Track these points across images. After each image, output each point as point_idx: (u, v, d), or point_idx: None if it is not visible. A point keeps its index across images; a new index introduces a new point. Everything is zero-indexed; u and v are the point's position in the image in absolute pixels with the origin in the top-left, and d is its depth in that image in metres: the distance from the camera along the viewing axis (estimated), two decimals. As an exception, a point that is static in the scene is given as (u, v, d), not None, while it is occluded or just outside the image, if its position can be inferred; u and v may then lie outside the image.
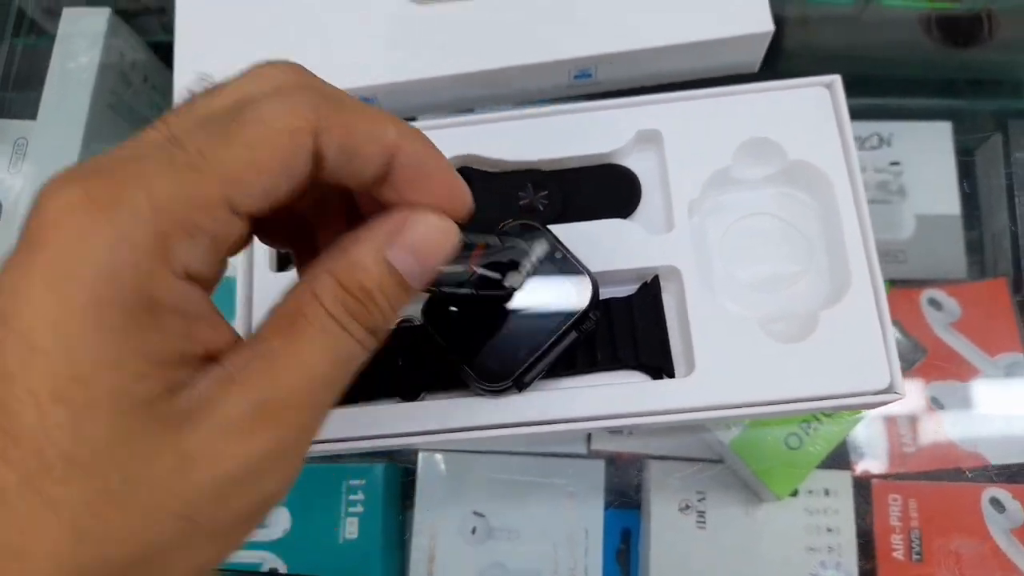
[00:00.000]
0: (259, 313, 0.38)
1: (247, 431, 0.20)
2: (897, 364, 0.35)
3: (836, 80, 0.38)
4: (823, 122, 0.38)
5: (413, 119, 0.43)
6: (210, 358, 0.21)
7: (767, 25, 0.38)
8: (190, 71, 0.42)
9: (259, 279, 0.38)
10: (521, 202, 0.39)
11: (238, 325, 0.37)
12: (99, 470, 0.19)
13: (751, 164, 0.38)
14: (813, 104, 0.38)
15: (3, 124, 0.53)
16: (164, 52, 0.58)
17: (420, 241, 0.24)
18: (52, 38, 0.53)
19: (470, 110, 0.40)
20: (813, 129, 0.38)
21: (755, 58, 0.40)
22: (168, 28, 0.57)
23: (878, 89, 0.57)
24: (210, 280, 0.22)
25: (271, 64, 0.23)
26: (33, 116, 0.53)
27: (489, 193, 0.39)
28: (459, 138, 0.39)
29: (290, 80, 0.23)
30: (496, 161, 0.39)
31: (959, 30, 0.61)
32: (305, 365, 0.21)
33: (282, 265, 0.39)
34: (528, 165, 0.39)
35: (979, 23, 0.60)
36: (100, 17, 0.54)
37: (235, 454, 0.20)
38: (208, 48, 0.42)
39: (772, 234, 0.39)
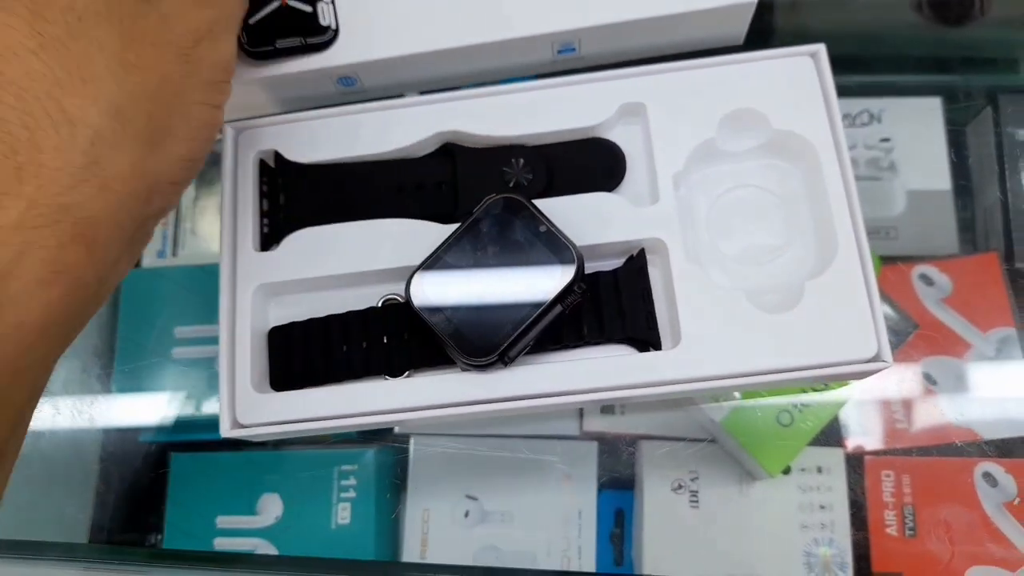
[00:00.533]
0: (243, 293, 0.38)
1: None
2: (884, 333, 0.34)
3: (820, 49, 0.38)
4: (808, 92, 0.38)
5: (401, 95, 0.42)
6: None
7: (749, -5, 0.38)
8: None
9: (242, 258, 0.38)
10: (506, 177, 0.38)
11: (223, 304, 0.37)
12: (118, 18, 0.26)
13: (736, 135, 0.38)
14: (798, 74, 0.38)
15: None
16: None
17: None
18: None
19: (454, 87, 0.40)
20: (798, 99, 0.38)
21: (739, 30, 0.40)
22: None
23: (868, 66, 0.57)
24: None
25: None
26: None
27: (474, 169, 0.39)
28: (443, 114, 0.39)
29: None
30: (480, 137, 0.39)
31: (950, 8, 0.60)
32: None
33: (266, 245, 0.39)
34: (512, 140, 0.39)
35: (968, 3, 0.60)
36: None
37: (191, 21, 0.29)
38: None
39: (758, 205, 0.39)
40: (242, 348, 0.37)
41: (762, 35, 0.42)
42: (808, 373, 0.35)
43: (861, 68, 0.57)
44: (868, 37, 0.58)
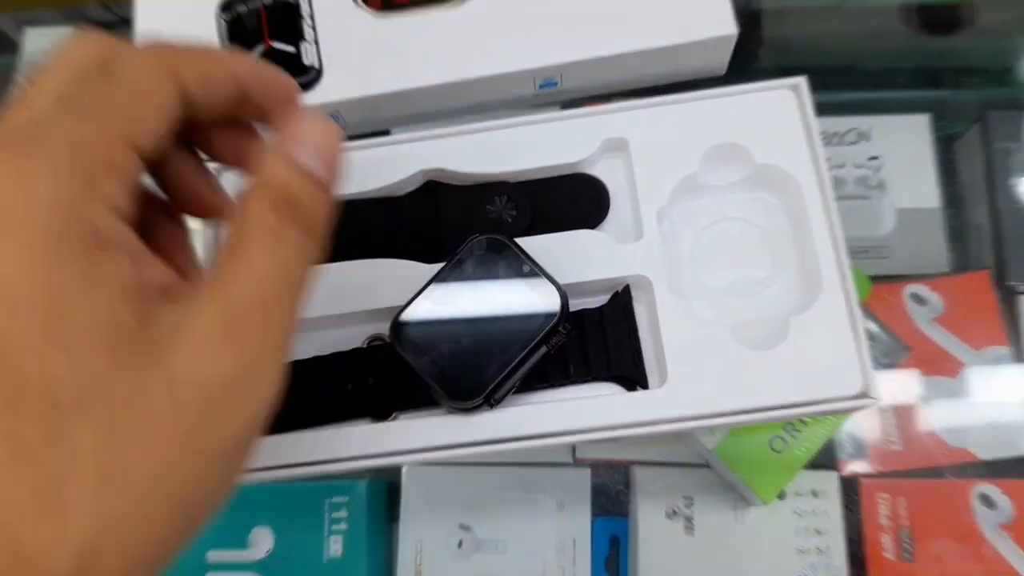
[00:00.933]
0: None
1: (221, 342, 0.21)
2: (870, 368, 0.34)
3: (802, 82, 0.38)
4: (790, 124, 0.37)
5: (386, 132, 0.42)
6: (163, 292, 0.22)
7: (730, 28, 0.38)
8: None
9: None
10: (489, 215, 0.38)
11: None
12: (107, 404, 0.19)
13: (719, 169, 0.38)
14: (779, 106, 0.38)
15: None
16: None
17: (316, 139, 0.26)
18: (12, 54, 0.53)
19: (437, 122, 0.40)
20: (780, 132, 0.37)
21: (721, 61, 0.40)
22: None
23: (856, 83, 0.57)
24: (131, 221, 0.23)
25: (85, 35, 0.24)
26: None
27: (457, 207, 0.38)
28: (426, 153, 0.39)
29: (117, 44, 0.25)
30: (463, 174, 0.39)
31: (939, 18, 0.60)
32: (255, 270, 0.23)
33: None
34: (495, 177, 0.39)
35: (958, 10, 0.60)
36: (60, 33, 0.53)
37: (217, 367, 0.21)
38: None
39: (742, 239, 0.38)
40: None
41: (748, 54, 0.42)
42: (795, 411, 0.34)
43: (849, 85, 0.57)
44: (855, 52, 0.58)
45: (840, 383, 0.34)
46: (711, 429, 0.44)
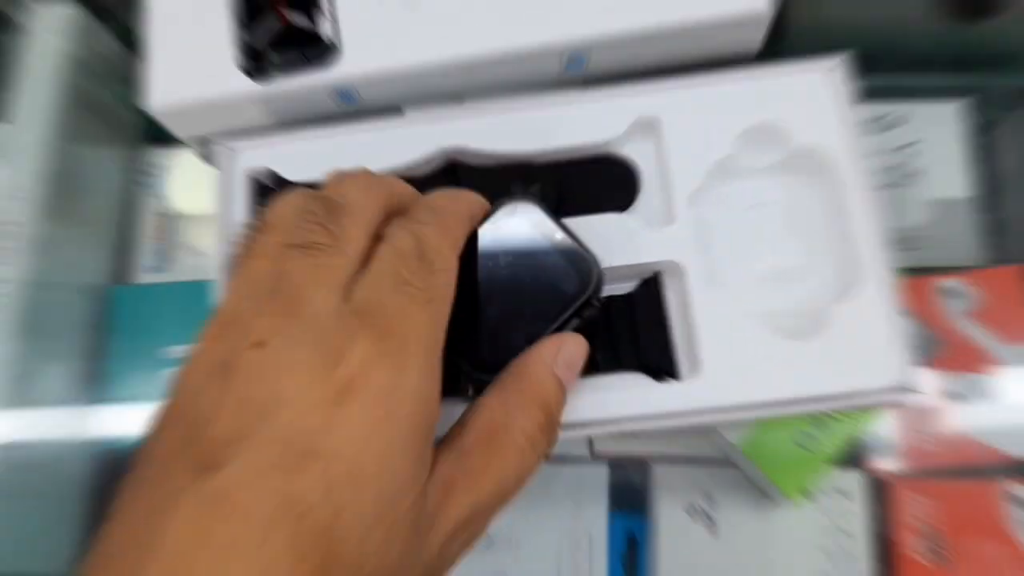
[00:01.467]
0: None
1: (461, 533, 0.25)
2: (910, 360, 0.33)
3: (841, 62, 0.36)
4: (828, 106, 0.36)
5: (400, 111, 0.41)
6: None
7: (763, 5, 0.36)
8: (163, 78, 0.40)
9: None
10: (513, 196, 0.37)
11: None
12: None
13: (754, 152, 0.36)
14: (818, 87, 0.36)
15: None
16: (133, 45, 0.56)
17: (572, 355, 0.29)
18: (20, 34, 0.51)
19: (458, 103, 0.38)
20: (818, 113, 0.36)
21: (754, 41, 0.38)
22: (137, 24, 0.55)
23: (889, 68, 0.55)
24: None
25: (363, 186, 0.28)
26: (3, 117, 0.51)
27: (480, 188, 0.37)
28: (447, 131, 0.37)
29: (402, 198, 0.29)
30: (487, 154, 0.37)
31: (973, 2, 0.58)
32: (501, 482, 0.26)
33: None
34: (521, 158, 0.37)
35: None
36: (66, 12, 0.52)
37: (455, 552, 0.25)
38: (182, 51, 0.40)
39: (778, 225, 0.37)
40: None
41: (779, 37, 0.40)
42: (831, 403, 0.33)
43: (882, 71, 0.54)
44: (888, 37, 0.56)
45: (879, 375, 0.33)
46: (737, 424, 0.42)
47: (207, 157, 0.42)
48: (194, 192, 0.55)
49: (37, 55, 0.50)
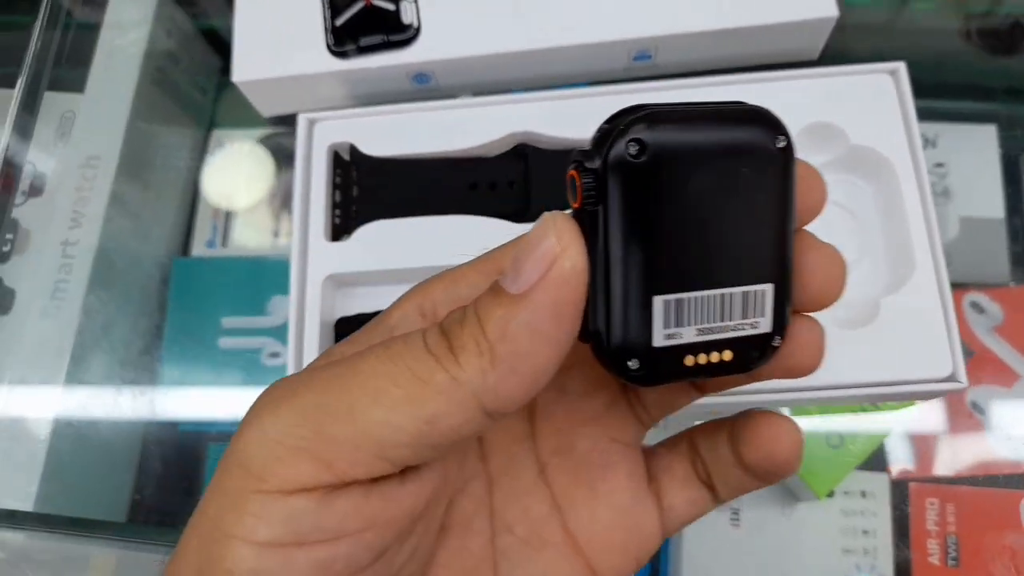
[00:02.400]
0: (313, 282, 0.38)
1: None
2: (960, 352, 0.34)
3: (901, 67, 0.38)
4: (886, 108, 0.38)
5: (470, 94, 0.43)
6: None
7: (831, 10, 0.38)
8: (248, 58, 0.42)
9: (313, 248, 0.38)
10: (578, 180, 0.38)
11: (293, 292, 0.37)
12: None
13: (813, 148, 0.38)
14: (876, 90, 0.38)
15: (50, 97, 0.53)
16: (208, 32, 0.58)
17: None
18: (102, 11, 0.53)
19: (528, 89, 0.40)
20: (876, 115, 0.38)
21: (816, 45, 0.40)
22: (213, 9, 0.58)
23: (923, 91, 0.57)
24: None
25: None
26: (81, 89, 0.53)
27: (546, 170, 0.39)
28: (518, 115, 0.39)
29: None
30: (554, 139, 0.39)
31: (999, 39, 0.60)
32: None
33: (337, 236, 0.39)
34: (585, 143, 0.39)
35: (1018, 32, 0.60)
36: (149, -3, 0.54)
37: None
38: (269, 47, 0.42)
39: (832, 221, 0.38)
40: (310, 336, 0.37)
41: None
42: (882, 391, 0.34)
43: (916, 93, 0.57)
44: (922, 63, 0.58)
45: (929, 365, 0.34)
46: (791, 405, 0.44)
47: (270, 144, 0.44)
48: (248, 177, 0.57)
49: (119, 35, 0.52)
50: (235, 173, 0.57)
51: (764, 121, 0.20)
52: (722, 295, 0.20)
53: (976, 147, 0.55)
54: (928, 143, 0.56)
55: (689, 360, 0.20)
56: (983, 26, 0.60)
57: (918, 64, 0.58)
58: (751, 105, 0.20)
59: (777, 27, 0.38)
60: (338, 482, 0.18)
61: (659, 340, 0.20)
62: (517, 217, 0.38)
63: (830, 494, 0.48)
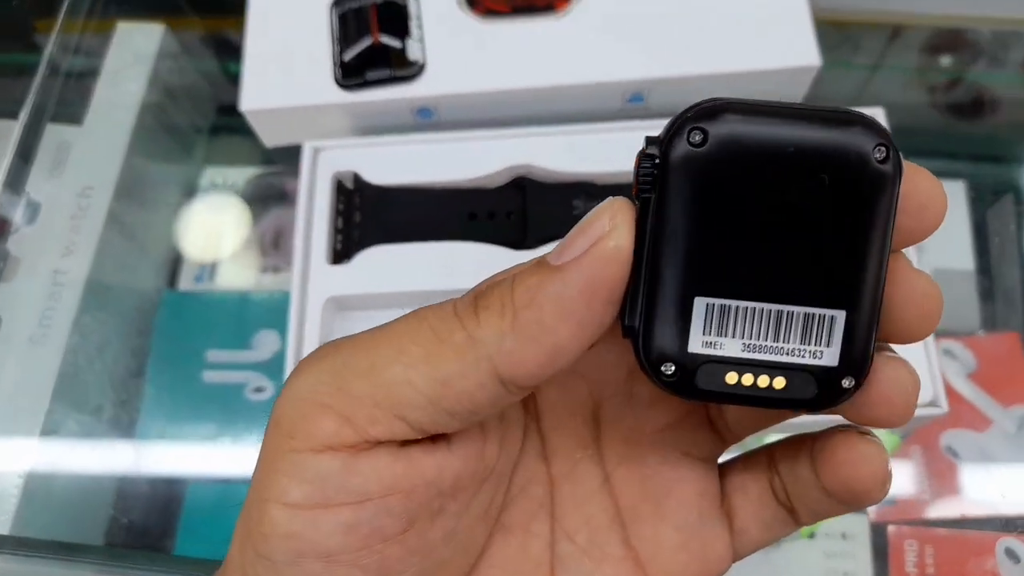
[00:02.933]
0: (313, 304, 0.38)
1: None
2: (940, 379, 0.36)
3: (879, 113, 0.40)
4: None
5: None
6: None
7: (814, 59, 0.41)
8: (256, 94, 0.43)
9: (315, 270, 0.39)
10: (575, 212, 0.40)
11: (293, 313, 0.38)
12: None
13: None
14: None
15: (49, 129, 0.54)
16: (210, 71, 0.60)
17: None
18: (105, 47, 0.55)
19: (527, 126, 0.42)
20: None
21: (799, 91, 0.43)
22: (218, 47, 0.59)
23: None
24: None
25: None
26: (79, 122, 0.54)
27: (543, 202, 0.40)
28: (517, 148, 0.41)
29: None
30: (551, 172, 0.41)
31: (962, 108, 0.64)
32: None
33: (338, 260, 0.40)
34: (581, 177, 0.41)
35: (980, 104, 0.64)
36: (153, 33, 0.55)
37: None
38: (276, 78, 0.44)
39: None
40: (309, 356, 0.37)
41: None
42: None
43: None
44: (893, 126, 0.62)
45: (911, 391, 0.35)
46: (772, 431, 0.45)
47: (261, 182, 0.45)
48: (225, 230, 0.57)
49: (120, 72, 0.53)
50: (212, 229, 0.57)
51: (863, 126, 0.18)
52: (777, 311, 0.18)
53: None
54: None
55: (732, 377, 0.18)
56: (948, 100, 0.63)
57: (889, 123, 0.62)
58: (851, 110, 0.18)
59: (763, 74, 0.41)
60: (361, 441, 0.18)
61: (696, 346, 0.18)
62: (515, 245, 0.39)
63: (810, 535, 0.49)
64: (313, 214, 0.40)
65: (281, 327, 0.45)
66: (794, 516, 0.22)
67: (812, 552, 0.49)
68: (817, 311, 0.18)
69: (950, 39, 0.63)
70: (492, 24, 0.43)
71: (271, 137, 0.45)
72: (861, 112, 0.18)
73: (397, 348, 0.18)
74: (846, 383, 0.18)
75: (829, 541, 0.49)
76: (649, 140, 0.18)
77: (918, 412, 0.35)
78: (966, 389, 0.53)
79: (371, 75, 0.41)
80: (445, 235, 0.39)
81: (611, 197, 0.18)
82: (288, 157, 0.45)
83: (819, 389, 0.18)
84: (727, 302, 0.18)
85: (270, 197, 0.56)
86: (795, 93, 0.43)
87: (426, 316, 0.19)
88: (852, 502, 0.20)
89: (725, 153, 0.17)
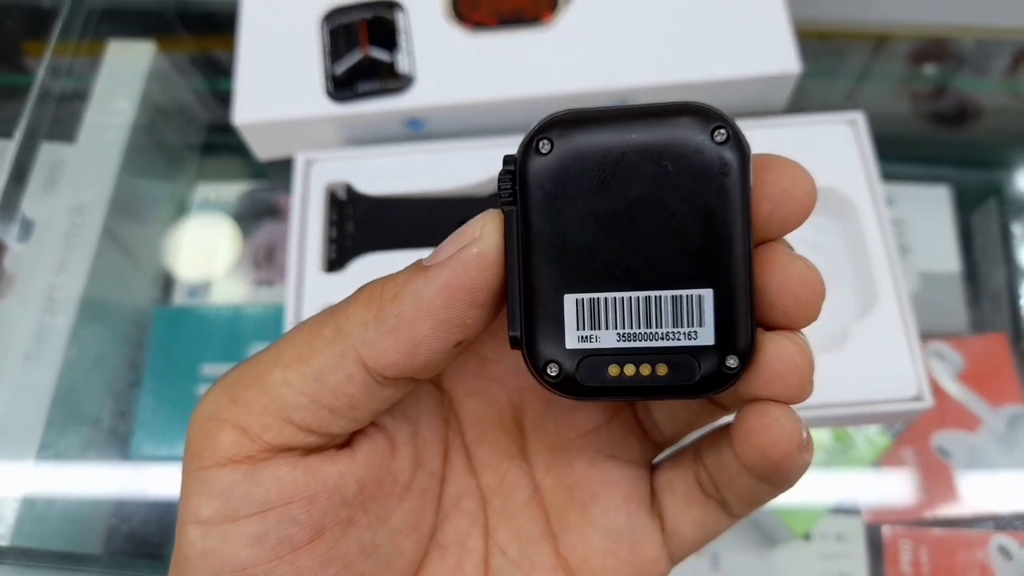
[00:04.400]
0: (308, 313, 0.39)
1: None
2: (925, 374, 0.36)
3: (859, 117, 0.41)
4: (848, 153, 0.41)
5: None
6: None
7: (794, 66, 0.42)
8: (250, 108, 0.44)
9: (309, 279, 0.39)
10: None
11: (288, 322, 0.38)
12: None
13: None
14: (839, 137, 0.41)
15: (43, 148, 0.54)
16: (201, 86, 0.61)
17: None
18: (98, 66, 0.55)
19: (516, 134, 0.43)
20: (838, 159, 0.41)
21: (781, 99, 0.44)
22: (209, 65, 0.60)
23: (880, 154, 0.61)
24: None
25: None
26: (72, 139, 0.54)
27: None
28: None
29: None
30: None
31: (946, 116, 0.65)
32: None
33: (331, 268, 0.41)
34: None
35: (963, 112, 0.65)
36: (145, 52, 0.56)
37: None
38: (268, 92, 0.44)
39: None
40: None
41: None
42: (853, 410, 0.36)
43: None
44: (878, 133, 0.63)
45: (897, 386, 0.36)
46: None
47: (252, 198, 0.45)
48: (216, 251, 0.58)
49: (112, 90, 0.54)
50: (205, 248, 0.58)
51: (698, 114, 0.18)
52: (645, 297, 0.18)
53: (932, 206, 0.59)
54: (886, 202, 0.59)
55: (614, 370, 0.19)
56: (933, 108, 0.64)
57: (875, 131, 0.63)
58: (690, 102, 0.18)
59: (745, 81, 0.42)
60: (260, 451, 0.19)
61: (572, 341, 0.19)
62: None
63: (806, 537, 0.49)
64: (306, 224, 0.40)
65: (275, 340, 0.45)
66: (726, 509, 0.21)
67: (808, 553, 0.49)
68: (684, 292, 0.18)
69: (934, 49, 0.64)
70: (480, 36, 0.43)
71: (264, 150, 0.45)
72: (701, 103, 0.18)
73: (277, 352, 0.19)
74: (731, 363, 0.18)
75: (824, 543, 0.49)
76: (506, 159, 0.19)
77: (904, 407, 0.36)
78: (955, 390, 0.54)
79: (362, 88, 0.42)
80: (437, 243, 0.40)
81: (488, 210, 0.19)
82: (279, 173, 0.46)
83: (703, 371, 0.18)
84: (595, 295, 0.19)
85: (262, 212, 0.57)
86: (777, 99, 0.44)
87: (307, 320, 0.20)
88: (772, 473, 0.19)
89: (572, 157, 0.18)
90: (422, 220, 0.41)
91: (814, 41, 0.59)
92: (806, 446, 0.19)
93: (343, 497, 0.20)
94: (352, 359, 0.19)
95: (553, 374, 0.19)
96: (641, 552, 0.22)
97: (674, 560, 0.22)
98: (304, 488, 0.19)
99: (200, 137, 0.60)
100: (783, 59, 0.42)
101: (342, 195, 0.42)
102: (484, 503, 0.23)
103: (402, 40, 0.43)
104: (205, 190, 0.59)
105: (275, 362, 0.19)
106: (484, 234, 0.19)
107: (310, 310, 0.39)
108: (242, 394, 0.19)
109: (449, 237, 0.19)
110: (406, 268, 0.20)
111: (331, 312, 0.20)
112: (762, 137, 0.41)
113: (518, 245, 0.19)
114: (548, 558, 0.22)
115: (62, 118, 0.55)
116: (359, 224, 0.41)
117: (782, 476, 0.19)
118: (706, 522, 0.21)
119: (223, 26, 0.49)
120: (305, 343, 0.19)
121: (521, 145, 0.19)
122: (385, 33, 0.43)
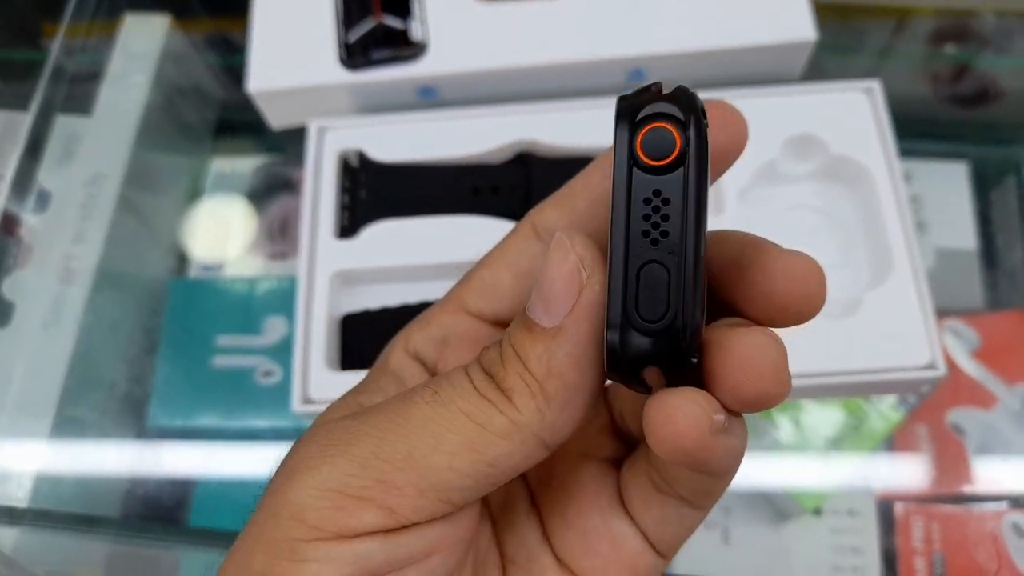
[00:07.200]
0: (321, 277, 0.39)
1: None
2: (938, 343, 0.36)
3: (875, 85, 0.41)
4: (864, 121, 0.40)
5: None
6: None
7: (810, 33, 0.41)
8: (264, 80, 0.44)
9: (322, 245, 0.40)
10: (577, 186, 0.40)
11: (301, 287, 0.39)
12: None
13: (796, 158, 0.41)
14: (855, 106, 0.41)
15: (59, 120, 0.55)
16: (216, 63, 0.61)
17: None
18: (113, 40, 0.56)
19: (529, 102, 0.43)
20: (854, 127, 0.40)
21: (796, 67, 0.43)
22: (222, 40, 0.60)
23: (897, 131, 0.60)
24: None
25: None
26: (88, 112, 0.55)
27: (547, 177, 0.41)
28: (520, 124, 0.41)
29: None
30: (554, 147, 0.41)
31: (966, 95, 0.64)
32: None
33: (344, 236, 0.41)
34: (584, 152, 0.41)
35: (985, 95, 0.64)
36: (160, 25, 0.56)
37: None
38: (282, 60, 0.44)
39: (814, 226, 0.41)
40: (317, 330, 0.38)
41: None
42: (866, 378, 0.36)
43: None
44: (895, 108, 0.62)
45: (910, 354, 0.36)
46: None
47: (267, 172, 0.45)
48: (232, 233, 0.58)
49: (128, 63, 0.54)
50: (220, 225, 0.58)
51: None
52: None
53: (949, 183, 0.58)
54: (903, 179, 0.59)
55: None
56: (953, 87, 0.64)
57: (894, 110, 0.62)
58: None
59: (760, 48, 0.41)
60: (399, 526, 0.19)
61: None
62: (518, 219, 0.39)
63: (818, 512, 0.49)
64: (320, 191, 0.41)
65: (289, 312, 0.46)
66: (687, 503, 0.21)
67: (819, 528, 0.49)
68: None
69: (953, 28, 0.63)
70: (493, 4, 0.43)
71: (277, 118, 0.46)
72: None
73: (433, 436, 0.19)
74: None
75: (836, 518, 0.49)
76: (663, 114, 0.17)
77: (917, 375, 0.36)
78: (971, 367, 0.54)
79: (375, 55, 0.42)
80: (449, 210, 0.40)
81: (559, 235, 0.18)
82: (294, 147, 0.46)
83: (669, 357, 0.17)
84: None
85: (276, 186, 0.57)
86: (793, 67, 0.44)
87: (452, 400, 0.19)
88: (696, 463, 0.18)
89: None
90: (434, 187, 0.41)
91: (834, 21, 0.59)
92: (720, 428, 0.17)
93: (470, 539, 0.20)
94: (534, 443, 0.18)
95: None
96: (623, 549, 0.21)
97: (663, 554, 0.22)
98: (444, 541, 0.19)
99: (215, 111, 0.61)
100: (798, 26, 0.41)
101: (355, 162, 0.42)
102: (494, 522, 0.23)
103: (415, 7, 0.43)
104: (220, 164, 0.59)
105: (435, 447, 0.18)
106: (592, 267, 0.18)
107: (323, 276, 0.39)
108: (394, 476, 0.18)
109: (545, 281, 0.18)
110: (524, 333, 0.19)
111: (481, 397, 0.19)
112: (782, 105, 0.41)
113: (688, 213, 0.17)
114: (551, 565, 0.22)
115: (78, 92, 0.55)
116: (372, 191, 0.41)
117: (705, 464, 0.18)
118: (669, 518, 0.21)
119: (238, 3, 0.49)
120: (473, 433, 0.18)
121: (692, 100, 0.18)
122: (398, 0, 0.43)
